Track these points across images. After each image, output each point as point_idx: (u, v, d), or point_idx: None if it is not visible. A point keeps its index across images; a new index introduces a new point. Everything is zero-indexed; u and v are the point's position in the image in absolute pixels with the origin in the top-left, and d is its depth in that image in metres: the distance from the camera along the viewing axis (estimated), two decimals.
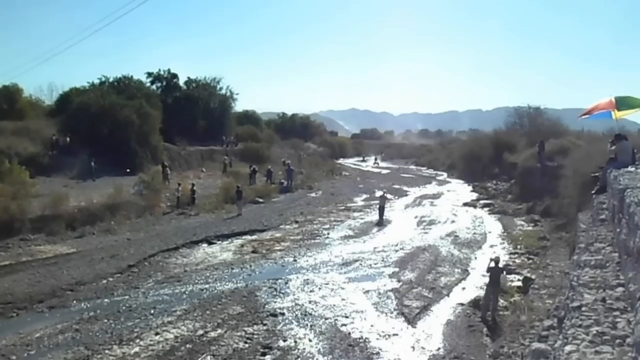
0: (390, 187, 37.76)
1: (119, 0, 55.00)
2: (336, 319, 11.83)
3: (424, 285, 14.49)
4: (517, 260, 16.97)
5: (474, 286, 14.41)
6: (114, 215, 21.89)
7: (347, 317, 12.00)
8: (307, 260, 17.26)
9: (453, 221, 24.50)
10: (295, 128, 67.95)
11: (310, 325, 11.47)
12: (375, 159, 70.50)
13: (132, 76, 41.68)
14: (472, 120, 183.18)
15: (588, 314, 3.97)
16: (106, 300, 13.11)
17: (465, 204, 29.77)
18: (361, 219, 25.30)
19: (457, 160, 48.49)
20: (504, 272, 13.09)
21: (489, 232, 21.95)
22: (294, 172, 37.00)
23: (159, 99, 40.69)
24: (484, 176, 38.22)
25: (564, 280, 9.94)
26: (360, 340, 10.66)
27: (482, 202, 30.21)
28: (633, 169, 8.44)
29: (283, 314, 12.12)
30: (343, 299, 13.24)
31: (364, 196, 33.67)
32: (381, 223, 23.73)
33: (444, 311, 12.60)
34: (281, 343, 10.51)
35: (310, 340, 10.67)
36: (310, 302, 13.04)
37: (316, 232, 21.97)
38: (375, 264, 16.78)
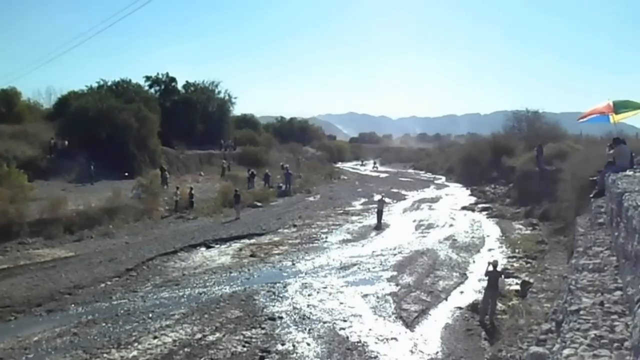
0: (389, 191, 37.76)
1: (117, 3, 54.93)
2: (334, 323, 11.81)
3: (422, 289, 14.49)
4: (516, 264, 16.99)
5: (472, 290, 14.44)
6: (113, 219, 21.88)
7: (345, 320, 11.99)
8: (306, 264, 17.25)
9: (451, 225, 24.52)
10: (293, 132, 68.01)
11: (309, 329, 11.45)
12: (374, 163, 70.53)
13: (130, 80, 41.95)
14: (471, 124, 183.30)
15: (586, 318, 3.98)
16: (104, 304, 13.08)
17: (464, 208, 29.83)
18: (359, 222, 25.32)
19: (456, 164, 48.61)
20: (502, 276, 13.10)
21: (487, 235, 21.97)
22: (292, 176, 37.00)
23: (157, 103, 40.73)
24: (482, 180, 38.29)
25: (562, 284, 9.97)
26: (359, 344, 10.64)
27: (480, 205, 30.30)
28: (631, 172, 8.50)
29: (281, 318, 12.11)
30: (341, 303, 13.23)
31: (363, 200, 33.73)
32: (379, 227, 23.76)
33: (442, 315, 12.60)
34: (279, 347, 10.49)
35: (308, 344, 10.65)
36: (308, 305, 13.02)
37: (314, 236, 21.97)
38: (373, 267, 16.78)
